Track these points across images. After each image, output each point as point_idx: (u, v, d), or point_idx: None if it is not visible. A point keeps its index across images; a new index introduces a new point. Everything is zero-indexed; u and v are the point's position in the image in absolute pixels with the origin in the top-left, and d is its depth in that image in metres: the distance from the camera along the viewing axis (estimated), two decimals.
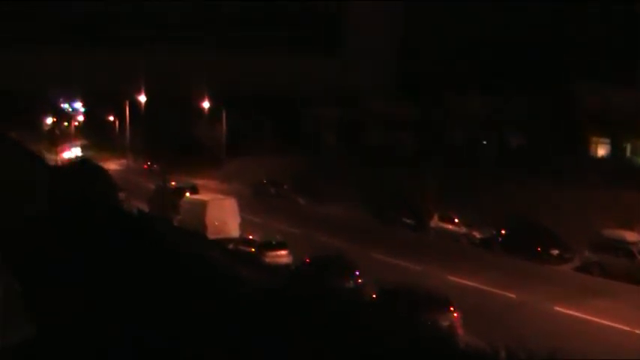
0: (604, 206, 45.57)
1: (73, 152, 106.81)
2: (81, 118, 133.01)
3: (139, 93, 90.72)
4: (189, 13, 72.11)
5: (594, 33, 54.01)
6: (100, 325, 15.76)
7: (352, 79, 68.25)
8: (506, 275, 38.20)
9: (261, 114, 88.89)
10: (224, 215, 46.23)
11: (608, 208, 44.89)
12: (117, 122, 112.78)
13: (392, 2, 71.40)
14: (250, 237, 42.41)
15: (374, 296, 29.18)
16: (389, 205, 54.43)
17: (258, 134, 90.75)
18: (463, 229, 46.86)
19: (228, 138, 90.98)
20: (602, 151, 54.99)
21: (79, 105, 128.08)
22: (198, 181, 69.47)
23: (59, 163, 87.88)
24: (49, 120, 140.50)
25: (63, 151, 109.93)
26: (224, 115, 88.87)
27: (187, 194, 53.46)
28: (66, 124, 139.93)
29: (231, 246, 41.71)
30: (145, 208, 54.13)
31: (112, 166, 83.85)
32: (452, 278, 37.47)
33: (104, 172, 46.93)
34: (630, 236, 38.67)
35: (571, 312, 31.74)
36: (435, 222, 49.04)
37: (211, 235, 44.48)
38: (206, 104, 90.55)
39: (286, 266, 38.21)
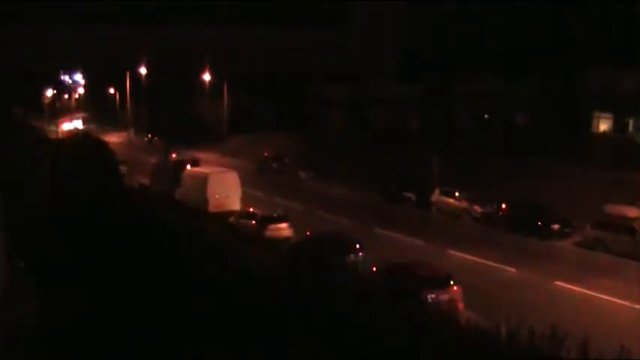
0: (606, 183, 45.64)
1: (74, 125, 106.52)
2: (81, 90, 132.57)
3: (140, 66, 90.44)
4: None
5: (598, 17, 53.87)
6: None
7: (358, 57, 67.96)
8: (507, 250, 38.27)
9: (264, 91, 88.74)
10: (225, 188, 46.23)
11: (610, 185, 44.95)
12: (118, 95, 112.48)
13: None
14: (251, 210, 42.44)
15: (374, 269, 29.24)
16: (391, 181, 54.38)
17: (261, 111, 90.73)
18: (464, 204, 46.86)
19: (230, 114, 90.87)
20: (604, 127, 54.95)
21: (79, 77, 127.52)
22: (200, 156, 69.46)
23: (60, 136, 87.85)
24: (50, 93, 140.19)
25: (64, 124, 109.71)
26: (225, 89, 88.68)
27: (188, 167, 53.40)
28: (66, 96, 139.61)
29: (232, 219, 41.77)
30: (147, 181, 54.17)
31: (113, 139, 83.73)
32: (452, 253, 37.58)
33: (105, 146, 46.86)
34: (631, 212, 38.64)
35: (571, 287, 31.84)
36: (435, 196, 49.02)
37: (212, 209, 44.55)
38: (208, 79, 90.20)
39: (287, 240, 38.31)
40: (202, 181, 46.57)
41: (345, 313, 15.96)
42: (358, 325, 15.23)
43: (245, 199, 46.69)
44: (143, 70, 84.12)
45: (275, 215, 41.04)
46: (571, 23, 55.60)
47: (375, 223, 44.43)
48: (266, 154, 71.88)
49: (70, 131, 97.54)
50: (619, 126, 53.80)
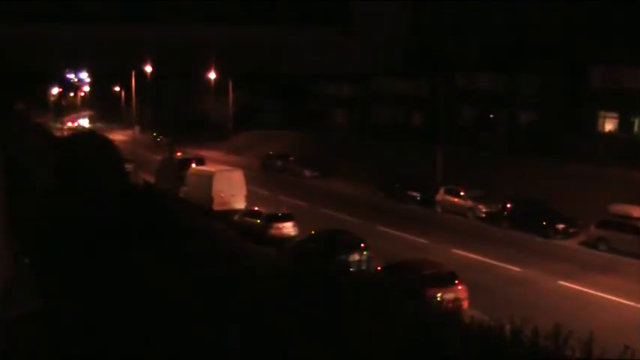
0: (611, 182, 45.59)
1: (80, 123, 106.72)
2: (87, 88, 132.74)
3: (145, 65, 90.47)
4: None
5: (604, 14, 53.73)
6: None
7: (361, 55, 67.90)
8: (512, 249, 38.29)
9: (269, 89, 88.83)
10: (230, 187, 46.28)
11: (615, 184, 44.91)
12: (123, 93, 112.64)
13: None
14: (256, 209, 42.48)
15: (379, 269, 29.28)
16: (395, 179, 54.40)
17: (266, 109, 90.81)
18: (469, 203, 46.85)
19: (236, 113, 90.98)
20: (609, 127, 54.87)
21: (85, 75, 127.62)
22: (205, 154, 69.56)
23: (65, 134, 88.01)
24: (55, 90, 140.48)
25: (69, 121, 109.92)
26: (230, 88, 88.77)
27: (193, 165, 53.47)
28: (72, 94, 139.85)
29: (236, 217, 41.83)
30: (152, 179, 54.28)
31: (118, 137, 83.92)
32: (457, 251, 37.60)
33: (111, 145, 46.88)
34: (636, 211, 38.59)
35: (574, 286, 31.86)
36: (440, 195, 49.03)
37: (217, 207, 44.60)
38: (213, 77, 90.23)
39: (291, 238, 38.38)
40: (207, 179, 46.62)
41: (347, 312, 16.00)
42: (360, 323, 15.26)
43: (250, 197, 46.75)
44: (148, 69, 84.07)
45: (280, 214, 41.06)
46: (573, 20, 55.42)
47: (379, 221, 44.46)
48: (271, 152, 72.01)
49: (75, 129, 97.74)
50: (625, 125, 53.68)
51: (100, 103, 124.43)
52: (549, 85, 58.74)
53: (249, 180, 48.75)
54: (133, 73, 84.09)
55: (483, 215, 45.51)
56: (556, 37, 55.92)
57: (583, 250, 39.06)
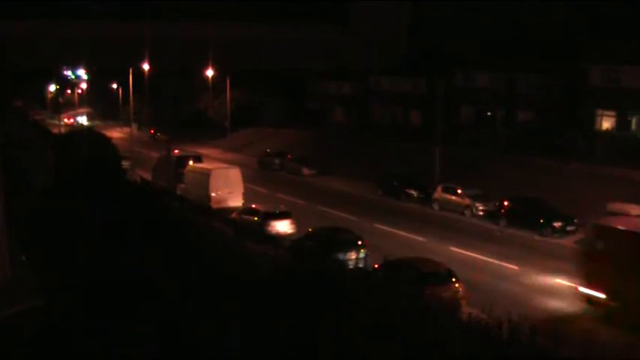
0: (610, 180, 45.64)
1: (79, 121, 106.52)
2: (84, 85, 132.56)
3: (144, 62, 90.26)
4: None
5: (602, 13, 53.82)
6: None
7: (359, 53, 67.51)
8: (509, 247, 38.33)
9: (268, 87, 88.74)
10: (228, 185, 46.30)
11: (613, 182, 44.95)
12: (121, 91, 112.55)
13: None
14: (254, 206, 42.42)
15: (376, 267, 29.28)
16: (393, 177, 54.42)
17: (265, 107, 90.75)
18: (467, 201, 46.87)
19: (234, 111, 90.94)
20: (607, 125, 54.95)
21: (82, 72, 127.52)
22: (202, 151, 69.58)
23: (63, 131, 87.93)
24: (53, 88, 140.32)
25: (66, 118, 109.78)
26: (228, 85, 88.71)
27: (191, 163, 53.44)
28: (69, 92, 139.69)
29: (234, 215, 41.79)
30: (149, 176, 54.24)
31: (116, 134, 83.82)
32: (453, 249, 37.62)
33: (109, 142, 46.84)
34: (634, 209, 38.60)
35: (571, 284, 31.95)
36: (438, 193, 49.05)
37: (214, 205, 44.60)
38: (210, 75, 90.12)
39: (289, 236, 38.33)
40: (205, 177, 46.63)
41: (344, 311, 16.01)
42: (356, 321, 15.28)
43: (247, 195, 46.75)
44: (146, 66, 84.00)
45: (277, 211, 41.01)
46: (571, 19, 55.51)
47: (377, 219, 44.48)
48: (268, 150, 72.00)
49: (72, 126, 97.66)
50: (622, 123, 53.78)
51: (97, 100, 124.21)
52: (548, 83, 58.83)
53: (247, 178, 48.79)
54: (131, 71, 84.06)
55: (481, 213, 45.55)
56: (554, 36, 55.99)
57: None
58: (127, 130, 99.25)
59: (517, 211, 43.26)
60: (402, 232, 41.49)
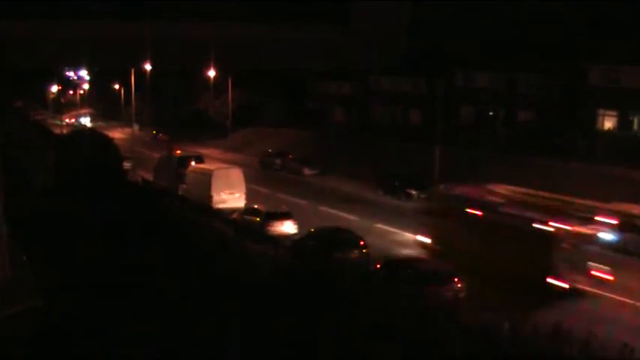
0: (612, 180, 45.51)
1: (81, 121, 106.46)
2: (86, 86, 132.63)
3: (145, 62, 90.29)
4: None
5: (603, 12, 53.79)
6: None
7: (359, 53, 67.45)
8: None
9: (268, 87, 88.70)
10: (229, 185, 46.25)
11: (615, 182, 44.84)
12: (122, 91, 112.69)
13: None
14: (256, 207, 42.38)
15: (378, 267, 29.25)
16: (394, 177, 54.39)
17: (266, 107, 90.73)
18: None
19: (235, 110, 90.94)
20: (609, 124, 54.90)
21: (84, 73, 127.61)
22: (203, 151, 69.53)
23: (64, 131, 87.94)
24: (54, 88, 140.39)
25: (67, 118, 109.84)
26: (230, 85, 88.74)
27: (192, 163, 53.42)
28: (71, 92, 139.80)
29: (235, 215, 41.77)
30: (150, 177, 54.23)
31: (117, 135, 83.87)
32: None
33: (110, 143, 46.87)
34: (636, 209, 38.49)
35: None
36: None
37: (216, 205, 44.58)
38: (212, 75, 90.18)
39: (291, 237, 38.31)
40: (206, 177, 46.59)
41: (344, 311, 16.00)
42: (356, 321, 15.25)
43: (249, 195, 46.69)
44: (148, 67, 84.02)
45: (279, 212, 41.00)
46: (572, 19, 55.46)
47: (377, 219, 44.41)
48: (270, 150, 71.89)
49: (74, 126, 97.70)
50: (624, 123, 53.72)
51: (99, 100, 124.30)
52: (548, 83, 58.78)
53: (248, 178, 48.70)
54: (133, 71, 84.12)
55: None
56: (554, 36, 55.94)
57: None
58: (128, 130, 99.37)
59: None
60: (402, 232, 41.43)
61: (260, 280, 18.85)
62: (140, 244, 20.76)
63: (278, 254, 28.14)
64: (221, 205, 44.57)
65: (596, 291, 28.00)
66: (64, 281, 16.69)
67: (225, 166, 52.23)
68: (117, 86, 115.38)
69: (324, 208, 47.67)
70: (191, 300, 16.46)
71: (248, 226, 39.19)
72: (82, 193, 25.09)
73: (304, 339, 14.52)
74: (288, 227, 39.46)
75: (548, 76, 58.64)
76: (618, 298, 27.61)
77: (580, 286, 28.08)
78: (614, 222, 29.91)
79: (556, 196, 33.55)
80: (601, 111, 54.84)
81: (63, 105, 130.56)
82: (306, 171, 64.34)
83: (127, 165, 53.67)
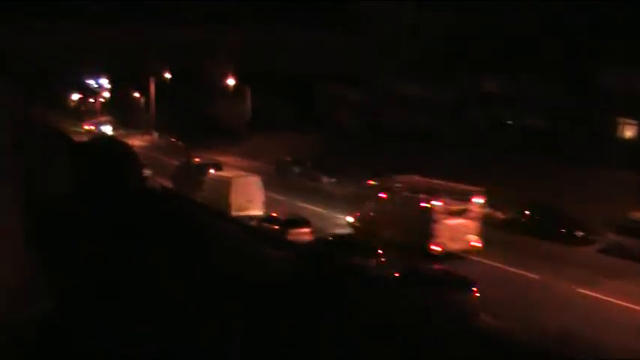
0: (632, 189, 45.19)
1: (101, 129, 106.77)
2: (106, 94, 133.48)
3: (164, 70, 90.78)
4: None
5: (618, 17, 53.39)
6: None
7: (369, 57, 67.54)
8: (530, 256, 38.05)
9: (279, 91, 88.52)
10: (248, 193, 46.28)
11: (636, 191, 44.55)
12: (142, 99, 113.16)
13: None
14: (274, 214, 42.38)
15: (396, 275, 29.18)
16: None
17: (277, 111, 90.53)
18: (485, 210, 46.42)
19: (245, 114, 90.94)
20: (629, 133, 54.48)
21: (104, 81, 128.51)
22: (219, 158, 69.41)
23: (84, 139, 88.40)
24: (75, 96, 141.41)
25: (87, 125, 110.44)
26: (249, 92, 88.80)
27: (211, 171, 53.49)
28: (92, 100, 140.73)
29: (254, 223, 41.82)
30: (169, 184, 54.37)
31: (136, 142, 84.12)
32: (475, 259, 37.40)
33: (129, 150, 47.04)
34: None
35: (590, 293, 31.81)
36: None
37: (235, 213, 44.61)
38: (230, 82, 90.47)
39: (308, 243, 38.32)
40: (225, 185, 46.65)
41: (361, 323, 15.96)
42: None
43: (267, 203, 46.64)
44: (167, 75, 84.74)
45: (297, 219, 41.03)
46: (588, 24, 55.01)
47: None
48: (288, 158, 71.49)
49: (94, 133, 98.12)
50: None
51: (118, 108, 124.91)
52: (563, 89, 58.22)
53: (265, 185, 48.54)
54: (152, 79, 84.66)
55: (500, 222, 45.09)
56: (570, 41, 55.49)
57: (601, 257, 38.77)
58: (147, 137, 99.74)
59: (537, 220, 43.21)
60: None
61: (264, 281, 18.86)
62: (157, 248, 20.85)
63: (287, 256, 28.27)
64: (239, 213, 44.62)
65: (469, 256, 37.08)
66: (75, 283, 16.78)
67: (243, 173, 52.28)
68: (137, 94, 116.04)
69: (341, 216, 47.56)
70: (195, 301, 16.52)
71: (267, 234, 39.24)
72: (98, 199, 25.23)
73: (304, 339, 14.52)
74: (306, 235, 39.47)
75: (561, 80, 57.91)
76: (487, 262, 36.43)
77: (454, 251, 36.80)
78: (482, 200, 39.03)
79: (447, 182, 40.10)
80: (622, 120, 54.44)
81: (83, 112, 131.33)
82: (325, 179, 64.16)
83: (146, 172, 53.77)
